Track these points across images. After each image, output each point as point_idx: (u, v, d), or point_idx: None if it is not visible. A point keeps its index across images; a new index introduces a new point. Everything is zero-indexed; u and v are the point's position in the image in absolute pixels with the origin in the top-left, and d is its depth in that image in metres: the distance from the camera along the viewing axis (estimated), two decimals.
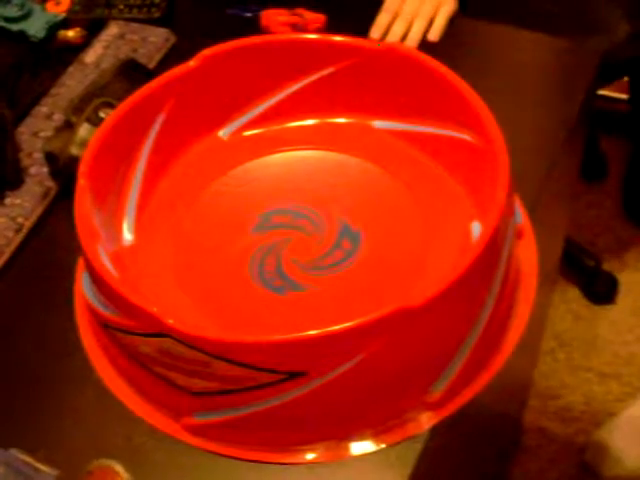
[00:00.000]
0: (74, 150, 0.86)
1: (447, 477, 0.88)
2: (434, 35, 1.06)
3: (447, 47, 1.04)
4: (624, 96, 2.00)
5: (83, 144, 0.84)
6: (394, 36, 1.06)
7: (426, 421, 0.70)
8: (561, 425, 1.69)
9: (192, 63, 0.82)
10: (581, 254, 1.91)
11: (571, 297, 1.89)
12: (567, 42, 1.03)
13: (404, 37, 1.06)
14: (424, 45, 1.04)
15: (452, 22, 1.07)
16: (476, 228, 0.76)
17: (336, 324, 0.62)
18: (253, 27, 1.05)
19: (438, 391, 0.70)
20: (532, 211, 0.84)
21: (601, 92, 1.97)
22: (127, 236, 0.81)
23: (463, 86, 0.77)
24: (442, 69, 0.79)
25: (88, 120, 0.87)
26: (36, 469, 0.65)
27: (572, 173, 1.17)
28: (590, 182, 2.08)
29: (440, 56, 0.81)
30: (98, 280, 0.70)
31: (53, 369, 0.78)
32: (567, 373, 1.77)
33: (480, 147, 0.75)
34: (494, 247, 0.69)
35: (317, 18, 1.05)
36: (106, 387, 0.75)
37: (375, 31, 1.06)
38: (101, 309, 0.72)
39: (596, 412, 1.70)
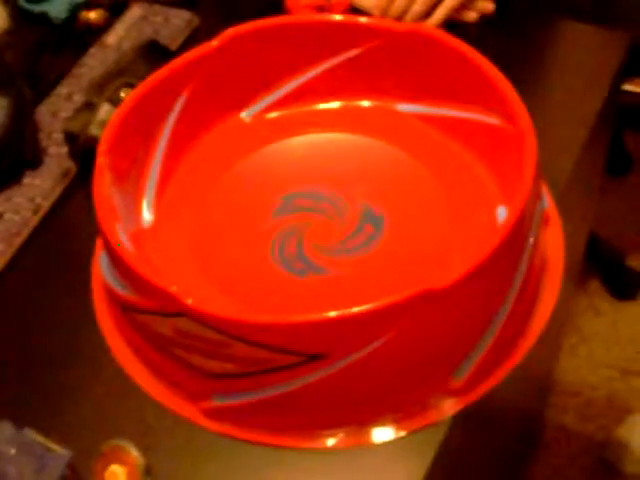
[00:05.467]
0: (94, 130, 0.85)
1: (467, 468, 0.87)
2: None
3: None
4: None
5: (103, 124, 0.83)
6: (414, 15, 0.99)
7: (449, 408, 0.69)
8: (581, 422, 1.67)
9: (214, 43, 0.81)
10: (605, 249, 1.90)
11: (593, 292, 1.87)
12: (595, 30, 1.02)
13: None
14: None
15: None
16: (502, 212, 0.75)
17: (357, 307, 0.61)
18: (277, 9, 1.04)
19: (461, 377, 0.68)
20: (559, 198, 0.83)
21: (626, 87, 1.95)
22: (147, 217, 0.80)
23: (490, 68, 0.76)
24: (468, 51, 0.77)
25: (109, 100, 0.86)
26: (49, 449, 0.64)
27: (598, 163, 1.16)
28: (615, 177, 2.06)
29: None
30: (116, 259, 0.69)
31: (69, 350, 0.77)
32: (588, 369, 1.76)
33: (507, 130, 0.74)
34: (520, 230, 0.67)
35: (342, 1, 1.03)
36: (122, 368, 0.74)
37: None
38: (119, 289, 0.71)
39: (617, 409, 1.68)
